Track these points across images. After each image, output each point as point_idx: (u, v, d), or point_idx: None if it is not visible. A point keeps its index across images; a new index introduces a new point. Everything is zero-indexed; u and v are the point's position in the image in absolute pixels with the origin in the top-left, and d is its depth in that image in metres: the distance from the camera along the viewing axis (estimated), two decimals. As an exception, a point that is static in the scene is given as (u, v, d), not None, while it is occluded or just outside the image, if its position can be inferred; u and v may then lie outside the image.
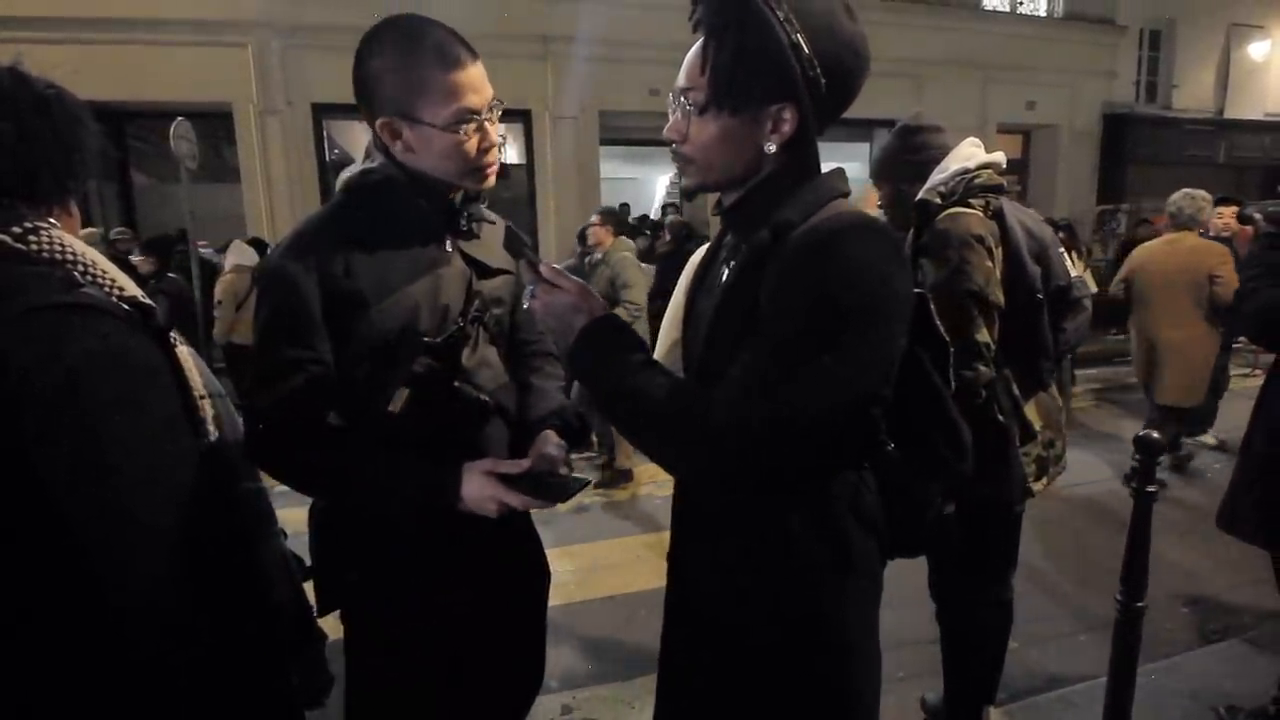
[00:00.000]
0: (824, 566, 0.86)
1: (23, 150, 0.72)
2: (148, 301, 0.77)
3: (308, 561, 1.10)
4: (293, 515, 1.15)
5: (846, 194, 0.89)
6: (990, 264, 1.50)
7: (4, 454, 0.63)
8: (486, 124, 1.04)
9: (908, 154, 1.70)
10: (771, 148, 0.85)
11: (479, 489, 0.98)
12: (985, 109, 9.01)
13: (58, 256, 0.73)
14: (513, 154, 8.45)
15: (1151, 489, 1.56)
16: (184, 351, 0.81)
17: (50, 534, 0.65)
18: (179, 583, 0.71)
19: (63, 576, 0.66)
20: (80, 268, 0.74)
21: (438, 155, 1.03)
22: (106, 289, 0.75)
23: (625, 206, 8.80)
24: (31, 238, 0.71)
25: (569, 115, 7.57)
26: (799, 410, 0.74)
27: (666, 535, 1.04)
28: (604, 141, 8.03)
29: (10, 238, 0.70)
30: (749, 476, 0.80)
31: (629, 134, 8.96)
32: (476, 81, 1.01)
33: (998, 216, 1.56)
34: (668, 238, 5.64)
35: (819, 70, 0.80)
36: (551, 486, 1.03)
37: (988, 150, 1.66)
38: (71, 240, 0.76)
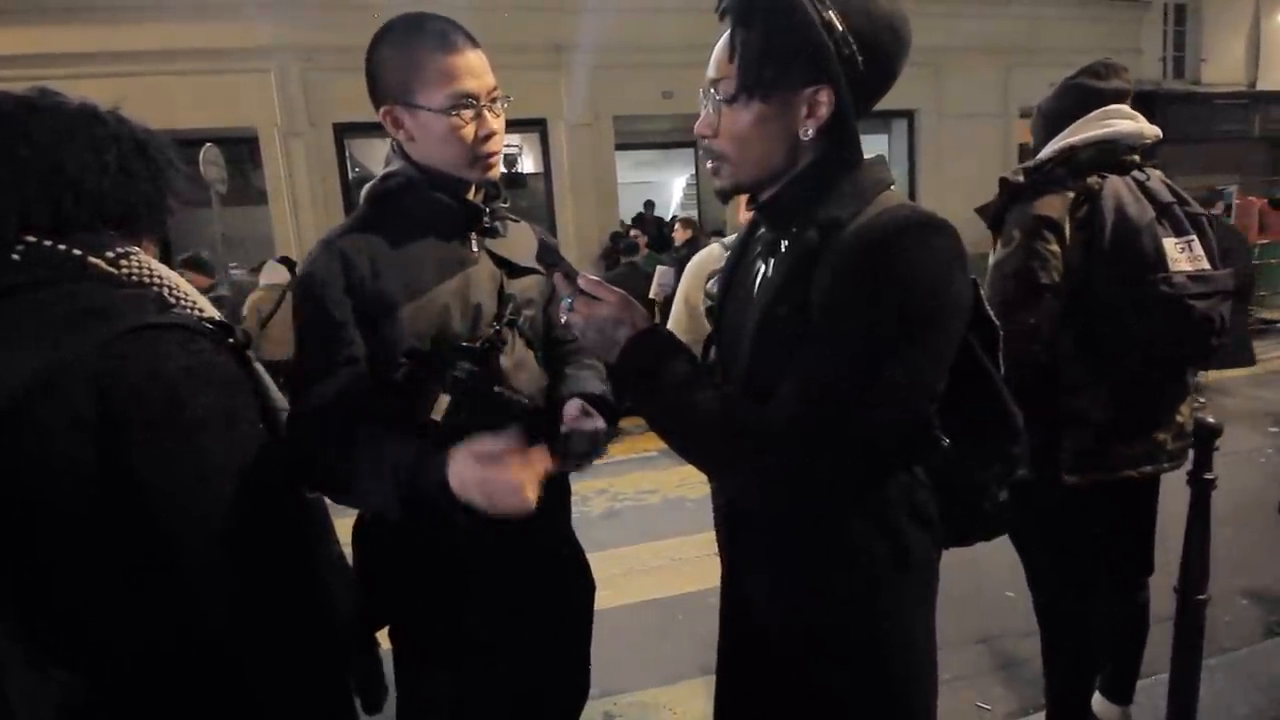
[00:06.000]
0: (883, 567, 0.84)
1: (122, 183, 0.77)
2: (226, 321, 0.82)
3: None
4: (342, 526, 1.15)
5: (891, 184, 0.85)
6: (1055, 247, 1.43)
7: (114, 463, 0.67)
8: (486, 111, 1.03)
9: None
10: (808, 133, 0.81)
11: (462, 468, 0.88)
12: (1007, 95, 8.85)
13: (146, 280, 0.77)
14: (529, 163, 8.52)
15: (1210, 476, 1.51)
16: (258, 367, 0.85)
17: (144, 539, 0.69)
18: (261, 584, 0.75)
19: (151, 580, 0.70)
20: (167, 290, 0.79)
21: (437, 141, 1.02)
22: (189, 309, 0.80)
23: (638, 220, 8.82)
24: (123, 262, 0.76)
25: (583, 122, 7.60)
26: (862, 418, 0.72)
27: (699, 538, 1.03)
28: (619, 146, 8.05)
29: (104, 262, 0.75)
30: (809, 484, 0.77)
31: (644, 138, 8.97)
32: (475, 67, 1.01)
33: (1090, 199, 1.44)
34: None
35: (855, 48, 0.77)
36: (575, 444, 1.03)
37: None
38: (157, 265, 0.80)
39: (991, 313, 0.91)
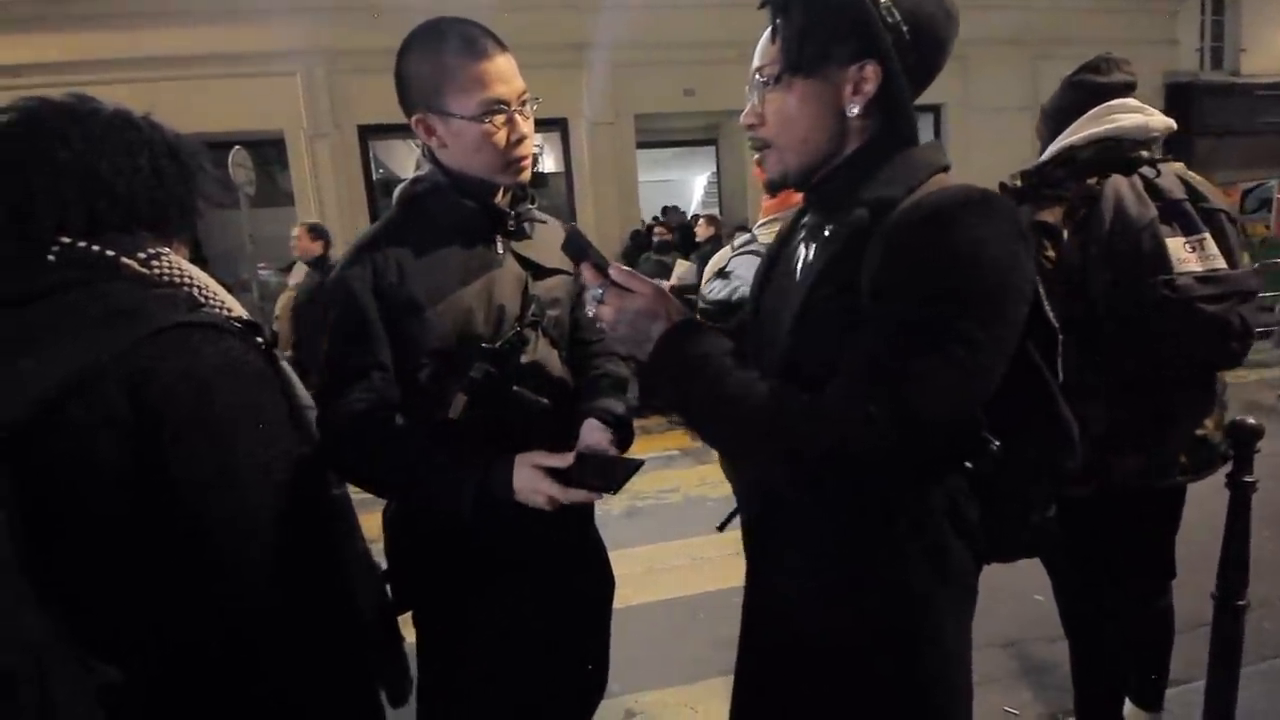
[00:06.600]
0: (921, 576, 0.81)
1: (154, 186, 0.79)
2: (254, 320, 0.84)
3: (382, 565, 1.12)
4: (368, 520, 1.18)
5: (947, 168, 0.82)
6: (1051, 253, 1.38)
7: (147, 461, 0.68)
8: (517, 116, 1.04)
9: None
10: (854, 109, 0.79)
11: (526, 481, 0.97)
12: (1036, 88, 8.64)
13: (177, 280, 0.79)
14: (550, 162, 8.55)
15: (1249, 479, 1.46)
16: (285, 365, 0.86)
17: (176, 535, 0.70)
18: (289, 580, 0.76)
19: (183, 576, 0.71)
20: (196, 289, 0.81)
21: (469, 148, 1.03)
22: (218, 308, 0.82)
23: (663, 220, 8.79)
24: (154, 263, 0.78)
25: (604, 120, 7.61)
26: (919, 396, 0.68)
27: (721, 537, 1.01)
28: (640, 145, 8.04)
29: (136, 262, 0.77)
30: (862, 466, 0.73)
31: (665, 136, 8.94)
32: (505, 72, 1.01)
33: (1090, 201, 1.38)
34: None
35: (899, 17, 0.75)
36: (603, 471, 0.99)
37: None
38: (187, 265, 0.83)
39: (1051, 315, 0.85)
